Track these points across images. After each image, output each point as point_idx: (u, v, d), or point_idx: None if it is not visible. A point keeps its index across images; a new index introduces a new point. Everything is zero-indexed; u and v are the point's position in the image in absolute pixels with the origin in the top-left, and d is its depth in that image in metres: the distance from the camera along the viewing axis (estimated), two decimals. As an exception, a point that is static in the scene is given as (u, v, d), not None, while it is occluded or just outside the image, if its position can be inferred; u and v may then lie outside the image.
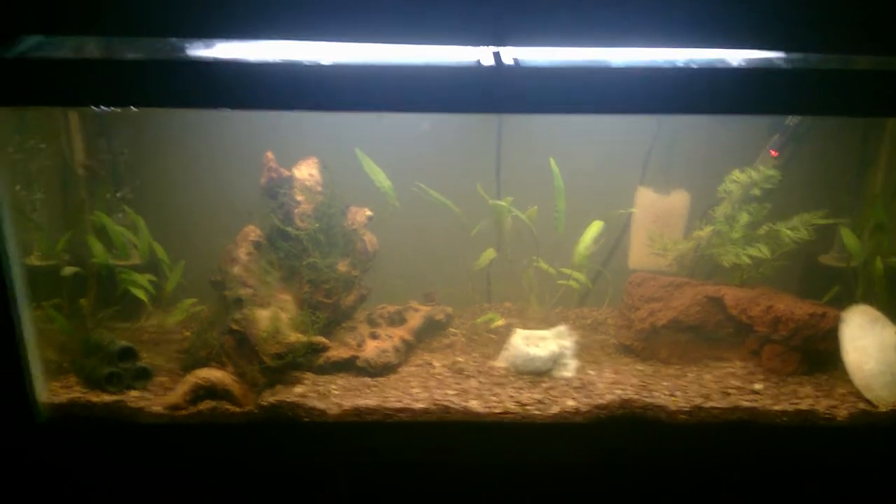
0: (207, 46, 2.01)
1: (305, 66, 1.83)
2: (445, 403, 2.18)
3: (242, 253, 2.25)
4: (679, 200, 2.54)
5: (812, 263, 2.56)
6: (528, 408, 2.18)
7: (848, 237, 2.37)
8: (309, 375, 2.28)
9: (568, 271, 2.49)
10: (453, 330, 2.59)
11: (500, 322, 2.55)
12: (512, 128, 2.55)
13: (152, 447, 2.17)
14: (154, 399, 2.18)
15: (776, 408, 2.18)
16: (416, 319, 2.51)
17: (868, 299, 2.34)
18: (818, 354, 2.32)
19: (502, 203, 2.44)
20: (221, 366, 2.20)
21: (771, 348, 2.33)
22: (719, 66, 1.90)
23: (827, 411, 2.18)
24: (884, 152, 2.47)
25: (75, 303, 2.35)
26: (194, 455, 2.18)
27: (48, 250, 2.34)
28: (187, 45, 2.01)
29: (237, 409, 2.14)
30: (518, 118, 2.49)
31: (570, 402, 2.20)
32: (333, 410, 2.15)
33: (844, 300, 2.34)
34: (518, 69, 1.86)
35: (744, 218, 2.31)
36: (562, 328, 2.40)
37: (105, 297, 2.40)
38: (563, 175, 2.42)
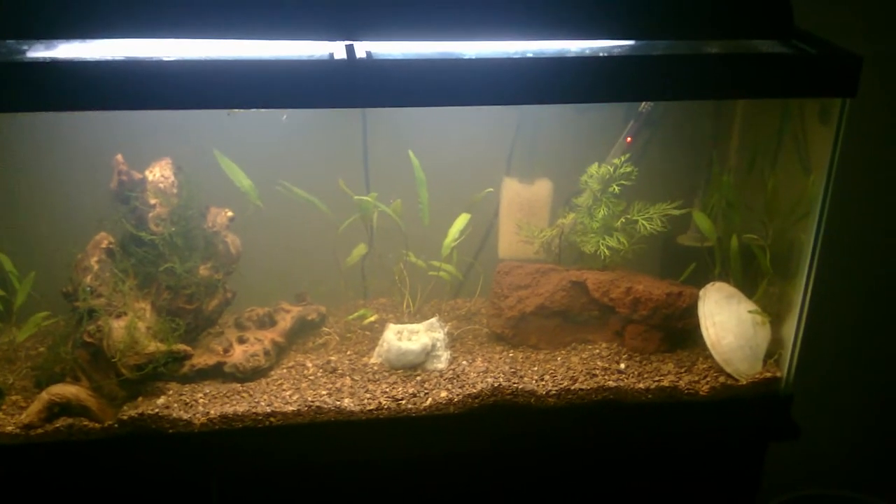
0: (48, 48, 1.91)
1: (147, 63, 1.76)
2: (318, 404, 2.15)
3: (94, 262, 2.15)
4: (543, 190, 2.58)
5: (671, 244, 2.65)
6: (402, 402, 2.18)
7: (700, 219, 2.46)
8: (173, 385, 2.20)
9: (438, 263, 2.50)
10: (327, 329, 2.55)
11: (372, 318, 2.53)
12: (377, 122, 2.53)
13: (8, 468, 2.06)
14: (7, 419, 2.06)
15: (640, 386, 2.25)
16: (286, 321, 2.46)
17: (724, 276, 2.44)
18: (678, 332, 2.40)
19: (367, 198, 2.42)
20: (76, 381, 2.10)
21: (633, 328, 2.40)
22: (565, 55, 1.95)
23: (689, 387, 2.27)
24: (734, 133, 2.58)
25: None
26: (54, 475, 2.08)
27: None
28: (26, 46, 1.91)
29: (96, 425, 2.05)
30: (382, 112, 2.47)
31: (444, 394, 2.21)
32: (200, 420, 2.09)
33: (702, 278, 2.43)
34: (369, 62, 1.85)
35: (602, 211, 2.37)
36: (433, 321, 2.41)
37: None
38: (430, 168, 2.40)
